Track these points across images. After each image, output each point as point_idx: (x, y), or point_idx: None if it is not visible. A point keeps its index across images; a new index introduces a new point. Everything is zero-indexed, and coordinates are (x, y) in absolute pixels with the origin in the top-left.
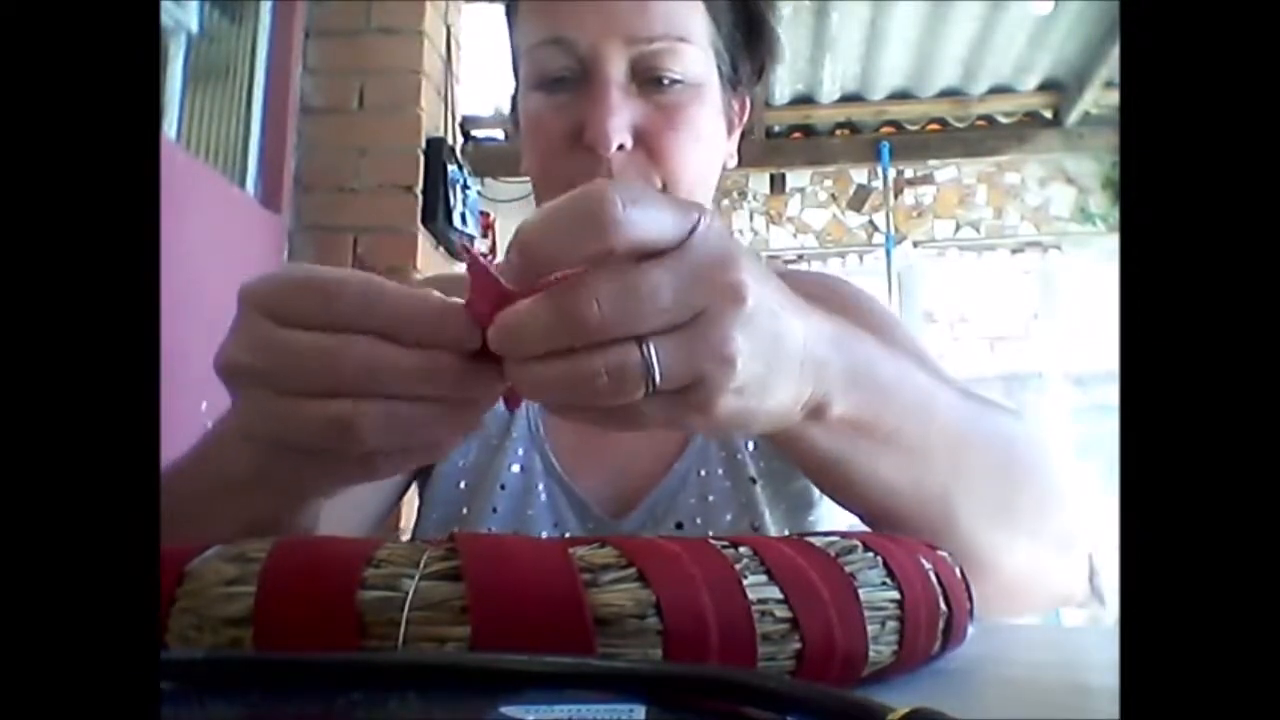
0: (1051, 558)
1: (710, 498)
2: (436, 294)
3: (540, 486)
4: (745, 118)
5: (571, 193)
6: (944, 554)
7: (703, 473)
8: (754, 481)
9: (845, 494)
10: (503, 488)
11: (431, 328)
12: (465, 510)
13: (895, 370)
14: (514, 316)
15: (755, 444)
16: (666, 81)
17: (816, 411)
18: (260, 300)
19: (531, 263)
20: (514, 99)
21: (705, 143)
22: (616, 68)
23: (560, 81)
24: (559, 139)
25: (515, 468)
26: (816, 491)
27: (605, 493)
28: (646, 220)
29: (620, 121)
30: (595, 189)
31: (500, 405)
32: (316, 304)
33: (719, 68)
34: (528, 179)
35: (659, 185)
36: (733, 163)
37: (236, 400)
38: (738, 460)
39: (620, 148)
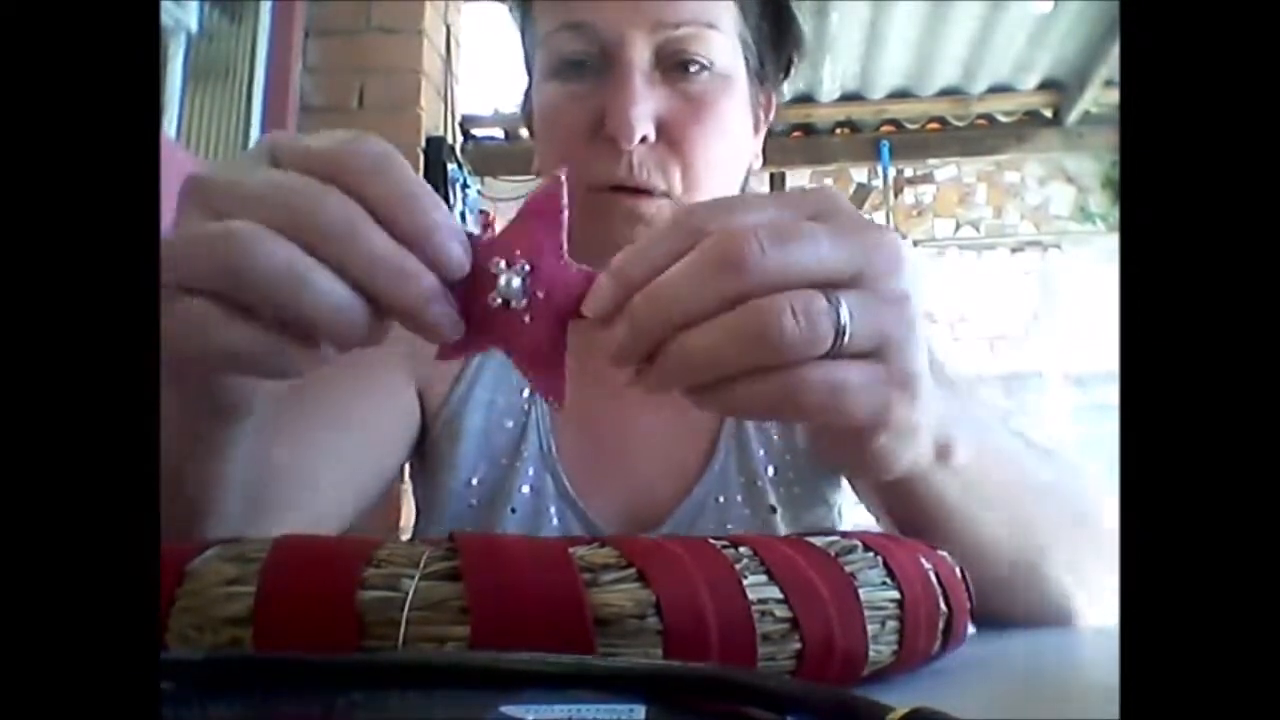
0: (1100, 580)
1: (729, 526)
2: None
3: (552, 509)
4: (771, 115)
5: (668, 219)
6: (944, 554)
7: (721, 499)
8: (774, 510)
9: (950, 548)
10: (513, 511)
11: (422, 225)
12: (473, 531)
13: (994, 425)
14: (665, 277)
15: (775, 469)
16: (693, 68)
17: (943, 452)
18: (275, 141)
19: (624, 285)
20: (526, 94)
21: (730, 138)
22: (640, 54)
23: (579, 68)
24: (578, 129)
25: (525, 489)
26: (835, 520)
27: (619, 518)
28: (743, 215)
29: (643, 111)
30: (691, 208)
31: (509, 422)
32: (327, 155)
33: (746, 59)
34: (531, 177)
35: (678, 181)
36: (758, 164)
37: (171, 226)
38: (757, 487)
39: (643, 139)
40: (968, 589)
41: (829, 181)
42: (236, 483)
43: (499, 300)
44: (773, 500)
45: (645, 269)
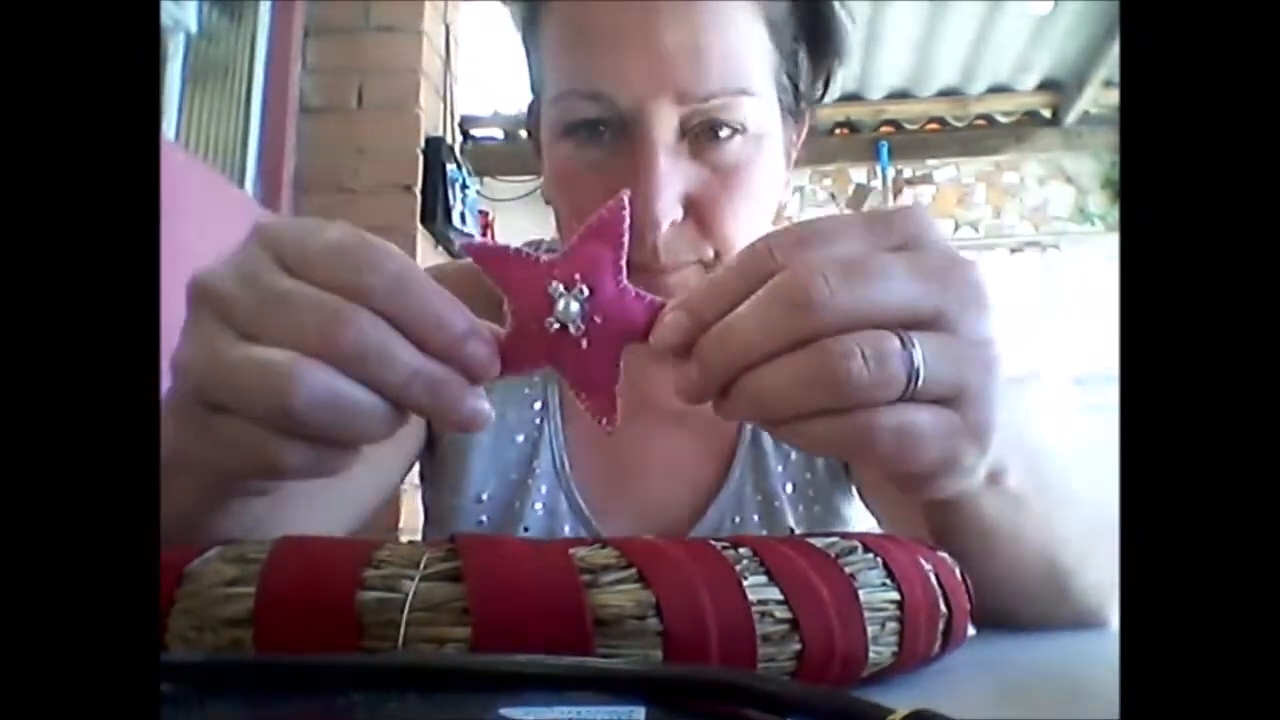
0: None
1: None
2: (462, 309)
3: (566, 529)
4: (804, 134)
5: (739, 256)
6: (944, 555)
7: (737, 520)
8: (792, 531)
9: (995, 568)
10: (526, 530)
11: (449, 340)
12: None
13: (1038, 429)
14: (734, 317)
15: (794, 485)
16: (724, 133)
17: (994, 476)
18: (274, 241)
19: (699, 321)
20: (531, 108)
21: (765, 197)
22: (665, 129)
23: (596, 133)
24: (596, 202)
25: (539, 507)
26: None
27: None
28: (823, 247)
29: (670, 195)
30: (763, 243)
31: (519, 437)
32: (346, 270)
33: (780, 101)
34: (531, 178)
35: (710, 254)
36: (787, 194)
37: (185, 332)
38: (775, 507)
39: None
40: (968, 590)
41: (828, 182)
42: (238, 523)
43: (556, 324)
44: (791, 520)
45: (716, 305)
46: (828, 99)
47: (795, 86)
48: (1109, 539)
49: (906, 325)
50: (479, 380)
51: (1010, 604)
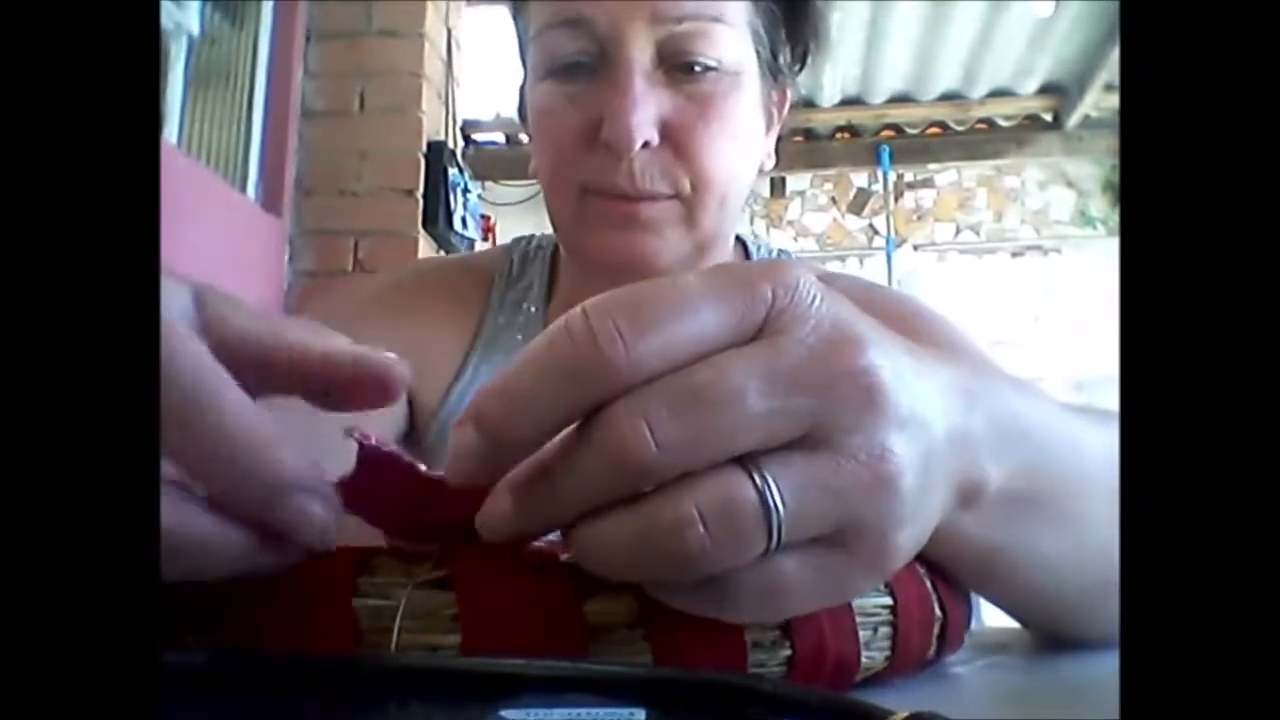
0: None
1: None
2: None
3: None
4: (785, 112)
5: (545, 334)
6: None
7: None
8: None
9: (1003, 588)
10: None
11: (258, 500)
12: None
13: (1038, 415)
14: (536, 481)
15: None
16: (698, 68)
17: (970, 496)
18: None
19: (497, 442)
20: (521, 92)
21: (740, 139)
22: (641, 51)
23: (575, 68)
24: (573, 135)
25: None
26: None
27: None
28: (668, 340)
29: (645, 115)
30: (574, 321)
31: None
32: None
33: (758, 52)
34: (532, 182)
35: (686, 186)
36: (770, 164)
37: None
38: None
39: (645, 144)
40: (965, 594)
41: (829, 186)
42: None
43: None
44: None
45: (517, 427)
46: (829, 100)
47: (772, 46)
48: None
49: (767, 452)
50: (315, 549)
51: (1050, 616)
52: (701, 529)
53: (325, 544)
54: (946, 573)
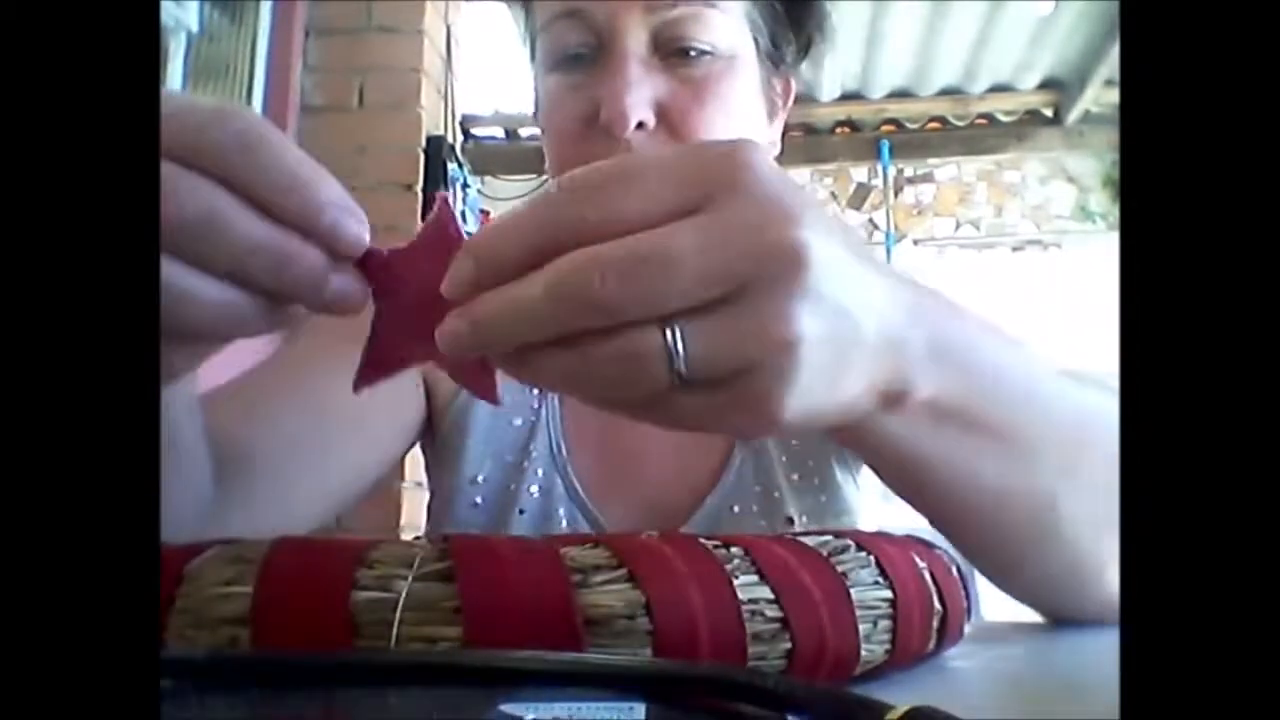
0: None
1: None
2: (324, 173)
3: (561, 512)
4: (790, 101)
5: (536, 193)
6: (940, 552)
7: (735, 509)
8: (791, 521)
9: (931, 501)
10: (522, 512)
11: (301, 202)
12: (480, 533)
13: (994, 347)
14: (496, 301)
15: (799, 475)
16: (693, 52)
17: (893, 399)
18: None
19: (483, 267)
20: (535, 89)
21: (738, 121)
22: (635, 39)
23: (577, 59)
24: (575, 121)
25: (534, 490)
26: (856, 525)
27: (631, 525)
28: (618, 201)
29: (639, 97)
30: (552, 185)
31: (516, 419)
32: (187, 132)
33: (756, 40)
34: (532, 177)
35: None
36: (774, 151)
37: None
38: (774, 498)
39: (640, 126)
40: (965, 587)
41: (829, 181)
42: (176, 451)
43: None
44: (791, 511)
45: (501, 255)
46: (829, 95)
47: (772, 35)
48: (1096, 462)
49: (696, 308)
50: (346, 254)
51: (996, 555)
52: (616, 369)
53: (357, 250)
54: (946, 567)
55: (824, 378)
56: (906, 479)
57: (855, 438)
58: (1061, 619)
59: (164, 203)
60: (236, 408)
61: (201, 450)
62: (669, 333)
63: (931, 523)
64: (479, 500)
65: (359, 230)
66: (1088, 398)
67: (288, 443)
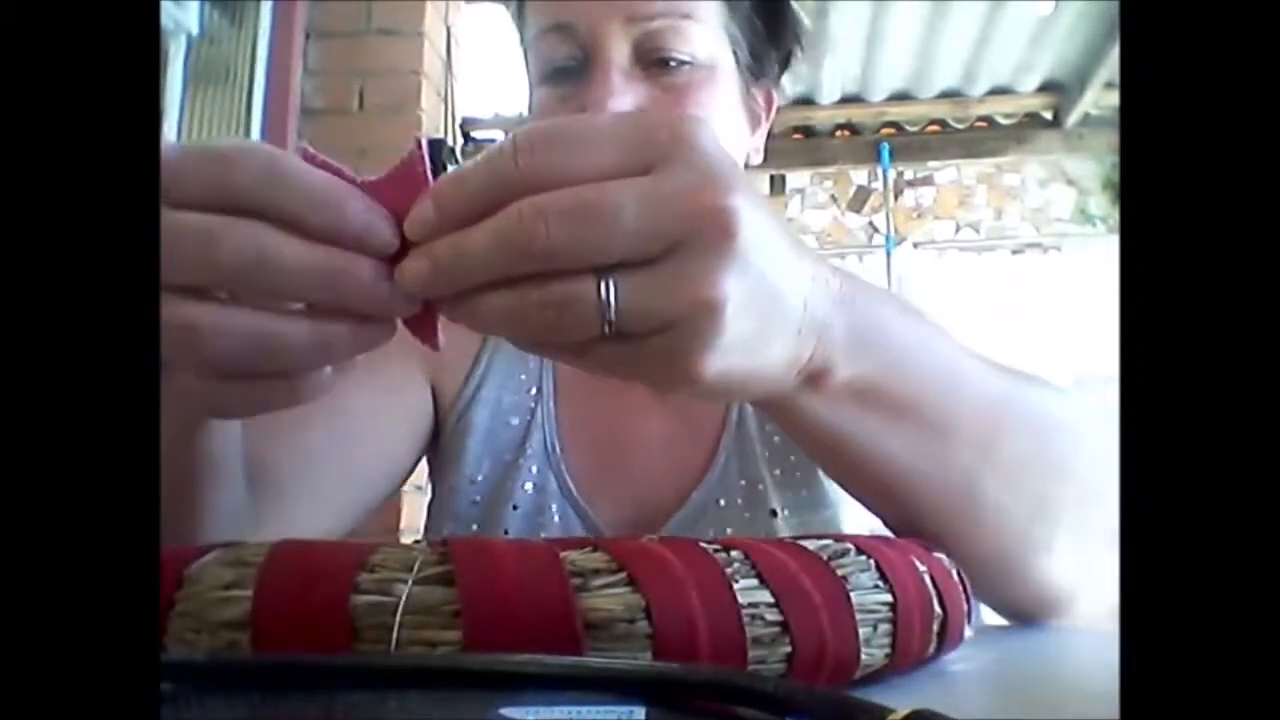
0: (1102, 560)
1: (728, 529)
2: (346, 185)
3: (554, 507)
4: (772, 113)
5: (492, 145)
6: (940, 556)
7: (721, 502)
8: (774, 514)
9: (851, 476)
10: (515, 508)
11: (334, 216)
12: (476, 528)
13: (914, 335)
14: (448, 244)
15: (780, 470)
16: (673, 63)
17: (815, 378)
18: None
19: (440, 213)
20: (530, 99)
21: (719, 129)
22: (618, 49)
23: (564, 71)
24: None
25: (528, 486)
26: (840, 521)
27: (621, 519)
28: (568, 157)
29: (621, 104)
30: (506, 140)
31: (514, 420)
32: (211, 176)
33: (735, 53)
34: None
35: None
36: (757, 159)
37: None
38: (759, 491)
39: None
40: (965, 592)
41: (829, 184)
42: (213, 482)
43: None
44: (774, 504)
45: (456, 204)
46: (828, 98)
47: (751, 49)
48: (1013, 446)
49: (631, 263)
50: (380, 254)
51: (918, 535)
52: (551, 314)
53: (389, 249)
54: (946, 571)
55: (745, 343)
56: (826, 454)
57: (778, 412)
58: (997, 610)
59: (214, 252)
60: (261, 425)
61: (238, 469)
62: (603, 284)
63: (854, 497)
64: (478, 498)
65: (388, 230)
66: (1004, 384)
67: (310, 458)
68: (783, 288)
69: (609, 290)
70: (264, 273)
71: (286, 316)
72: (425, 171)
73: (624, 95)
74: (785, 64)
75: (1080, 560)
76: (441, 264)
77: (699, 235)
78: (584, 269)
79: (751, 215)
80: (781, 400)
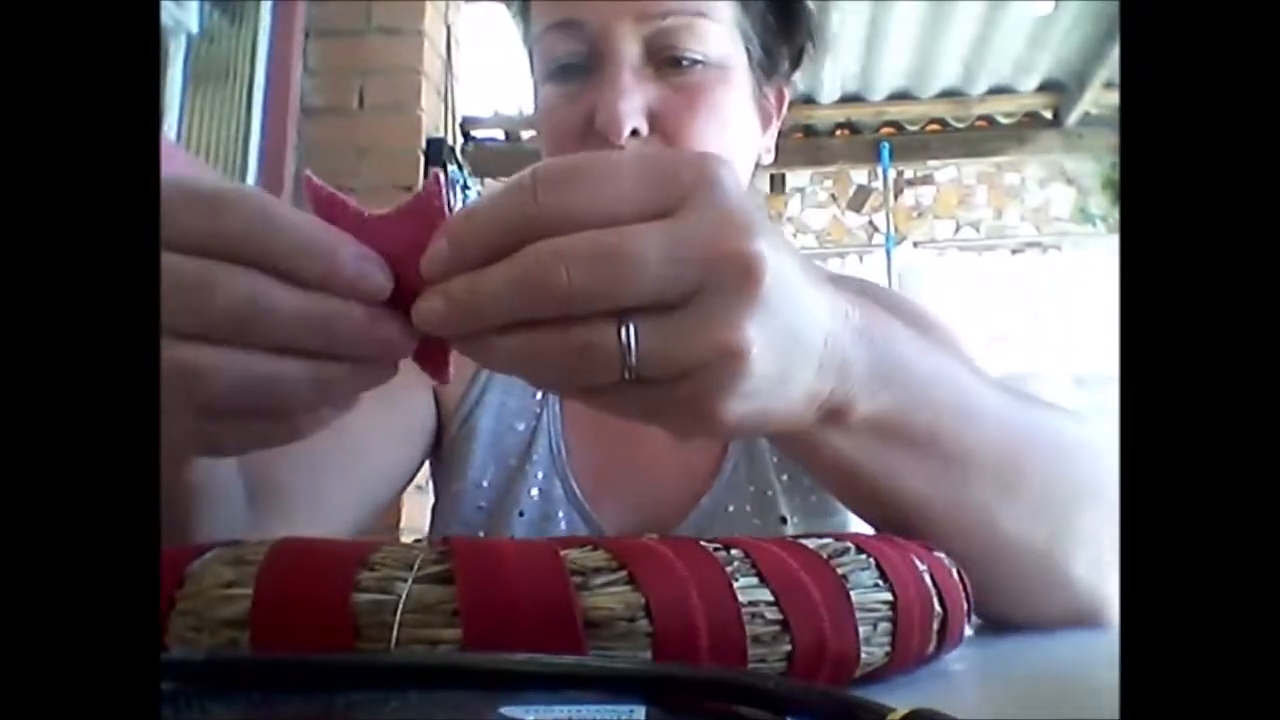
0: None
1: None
2: (338, 231)
3: (560, 514)
4: (784, 111)
5: (509, 181)
6: (940, 555)
7: (730, 508)
8: (784, 521)
9: (869, 507)
10: (521, 514)
11: (327, 264)
12: (482, 534)
13: (932, 367)
14: (465, 283)
15: (789, 476)
16: (685, 62)
17: (836, 414)
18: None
19: (456, 251)
20: (534, 96)
21: (732, 129)
22: (629, 48)
23: (571, 69)
24: (570, 129)
25: (534, 492)
26: (848, 527)
27: (628, 525)
28: (588, 197)
29: (632, 104)
30: (524, 177)
31: (519, 424)
32: (204, 221)
33: (748, 50)
34: None
35: None
36: (768, 158)
37: None
38: (768, 497)
39: (635, 133)
40: (965, 590)
41: (829, 183)
42: (213, 493)
43: None
44: (784, 510)
45: (472, 241)
46: (828, 97)
47: (764, 47)
48: (1031, 476)
49: (652, 308)
50: (372, 300)
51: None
52: (570, 360)
53: (381, 295)
54: (947, 570)
55: (767, 386)
56: (844, 486)
57: (796, 445)
58: (1027, 625)
59: (208, 300)
60: None
61: (235, 485)
62: (624, 329)
63: (870, 525)
64: (483, 503)
65: (381, 276)
66: (1021, 410)
67: (314, 470)
68: (805, 328)
69: (630, 335)
70: (257, 321)
71: (285, 358)
72: (442, 206)
73: (635, 95)
74: (797, 61)
75: (1109, 575)
76: (458, 303)
77: (722, 280)
78: (604, 314)
79: (775, 258)
80: (799, 434)
